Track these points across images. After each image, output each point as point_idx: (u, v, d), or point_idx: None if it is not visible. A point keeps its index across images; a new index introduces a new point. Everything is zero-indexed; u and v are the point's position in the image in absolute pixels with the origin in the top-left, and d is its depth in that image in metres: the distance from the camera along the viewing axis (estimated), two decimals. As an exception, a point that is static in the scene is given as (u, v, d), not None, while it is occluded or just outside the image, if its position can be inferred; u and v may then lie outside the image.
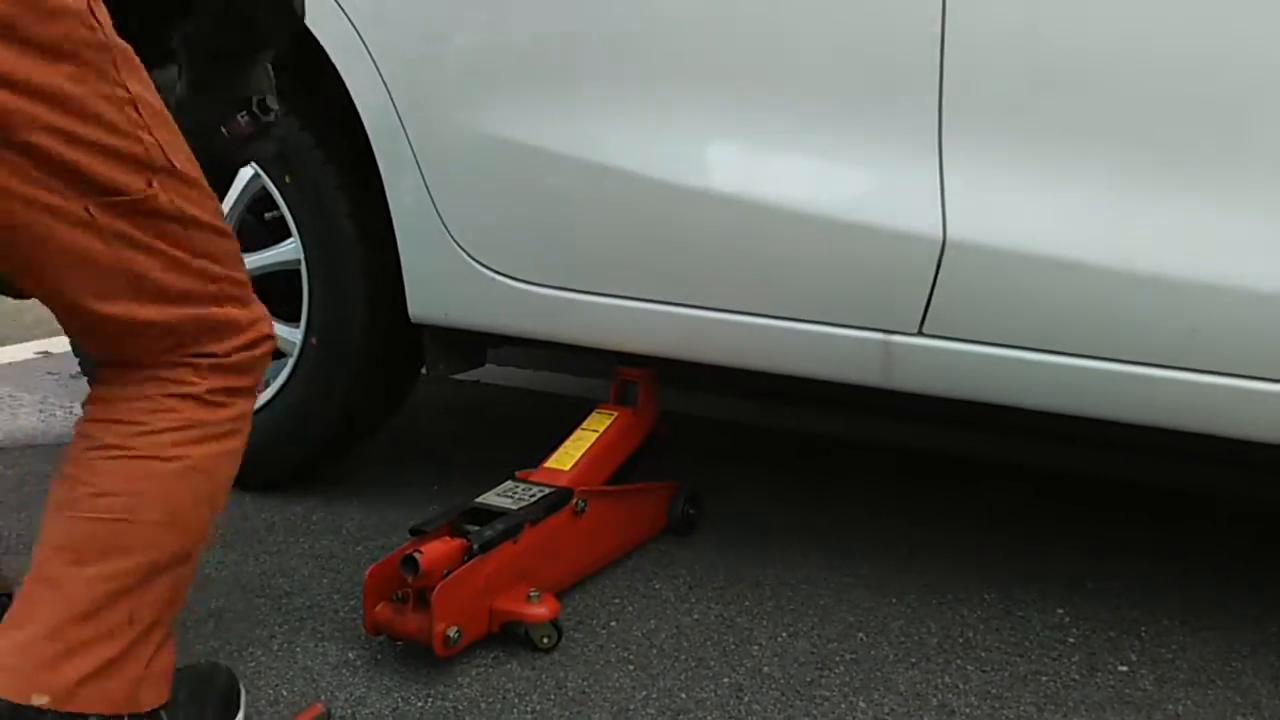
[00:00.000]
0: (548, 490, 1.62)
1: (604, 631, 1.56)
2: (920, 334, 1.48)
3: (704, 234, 1.60)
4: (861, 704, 1.39)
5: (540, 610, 1.47)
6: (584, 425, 1.81)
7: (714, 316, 1.63)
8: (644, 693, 1.40)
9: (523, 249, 1.75)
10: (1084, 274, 1.38)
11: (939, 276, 1.42)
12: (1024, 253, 1.39)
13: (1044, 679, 1.46)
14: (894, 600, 1.68)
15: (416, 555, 1.38)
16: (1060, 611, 1.64)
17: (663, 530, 1.88)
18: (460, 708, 1.35)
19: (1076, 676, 1.46)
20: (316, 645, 1.48)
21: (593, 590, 1.68)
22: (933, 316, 1.45)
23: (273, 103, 1.26)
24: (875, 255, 1.46)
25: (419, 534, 1.49)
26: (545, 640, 1.48)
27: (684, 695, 1.40)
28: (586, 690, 1.40)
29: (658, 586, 1.71)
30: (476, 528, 1.50)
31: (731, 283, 1.61)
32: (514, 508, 1.56)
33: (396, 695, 1.37)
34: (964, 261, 1.42)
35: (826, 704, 1.38)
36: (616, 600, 1.66)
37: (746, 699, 1.39)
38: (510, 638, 1.49)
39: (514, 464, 1.73)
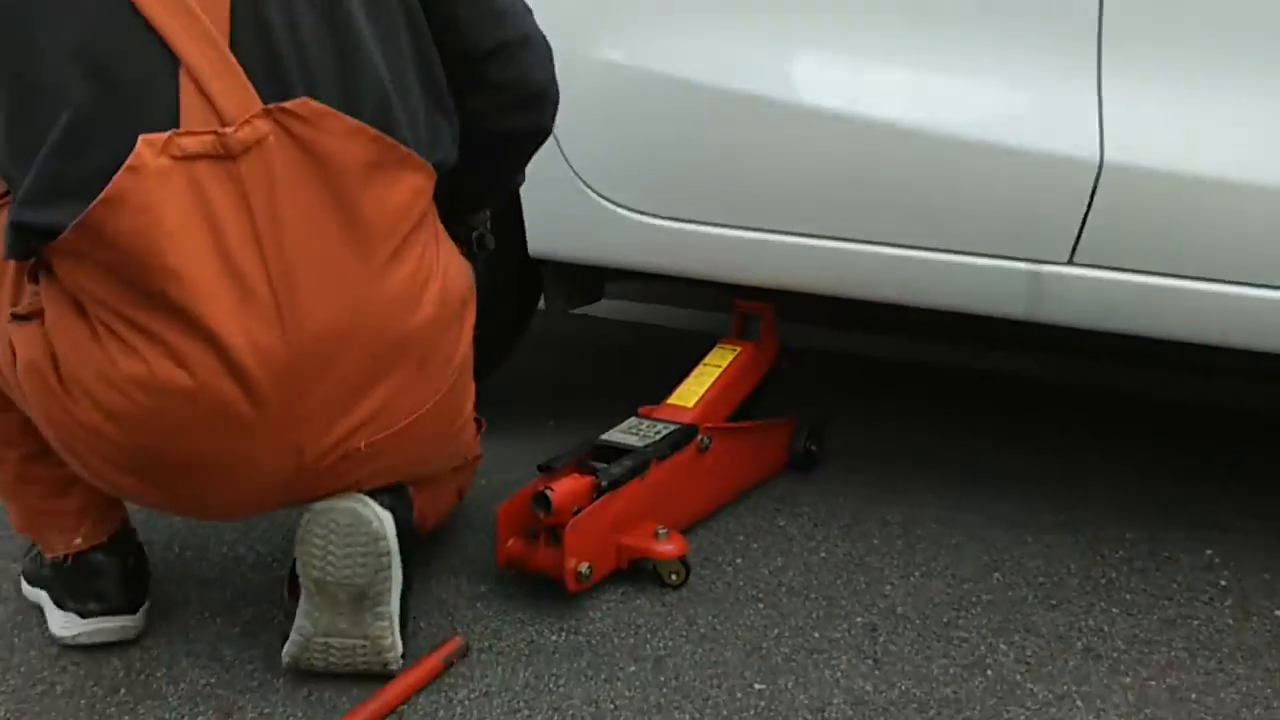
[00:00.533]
0: (672, 427, 1.59)
1: (730, 569, 1.54)
2: (1071, 263, 1.40)
3: (839, 162, 1.54)
4: (1002, 646, 1.35)
5: (669, 547, 1.46)
6: (706, 360, 1.78)
7: (848, 248, 1.57)
8: (776, 630, 1.38)
9: (646, 181, 1.71)
10: (1250, 197, 1.28)
11: (1094, 202, 1.34)
12: (1186, 175, 1.30)
13: (1195, 623, 1.40)
14: (1030, 539, 1.62)
15: (548, 493, 1.38)
16: (1209, 553, 1.57)
17: (785, 466, 1.85)
18: (594, 642, 1.36)
19: (1230, 621, 1.40)
20: (451, 579, 1.50)
21: (716, 528, 1.66)
22: (1085, 244, 1.37)
23: (489, 241, 1.47)
24: (1026, 180, 1.38)
25: (547, 471, 1.48)
26: (674, 577, 1.47)
27: (816, 634, 1.38)
28: (718, 627, 1.39)
29: (782, 524, 1.69)
30: (604, 465, 1.49)
31: (867, 213, 1.54)
32: (640, 445, 1.54)
33: (530, 629, 1.38)
34: (1121, 185, 1.33)
35: (965, 645, 1.35)
36: (741, 537, 1.64)
37: (881, 639, 1.37)
38: (638, 574, 1.49)
39: (630, 399, 1.71)
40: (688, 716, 1.21)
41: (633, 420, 1.63)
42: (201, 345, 1.00)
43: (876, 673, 1.29)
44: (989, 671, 1.29)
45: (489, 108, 1.24)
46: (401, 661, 1.24)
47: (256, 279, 1.01)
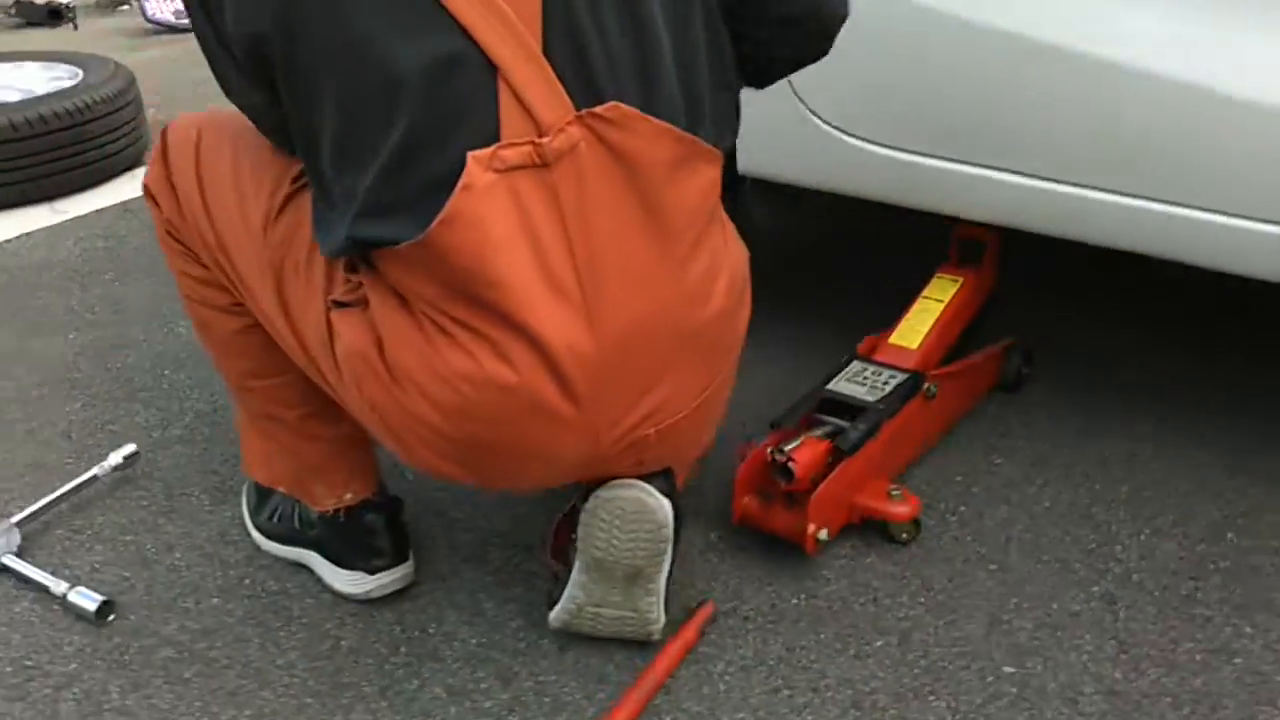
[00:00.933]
0: (900, 377, 1.57)
1: (955, 520, 1.55)
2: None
3: (1096, 108, 1.42)
4: (1247, 629, 1.35)
5: (903, 509, 1.47)
6: (926, 294, 1.72)
7: (1096, 197, 1.48)
8: (1014, 600, 1.40)
9: (875, 110, 1.61)
10: None
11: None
12: None
13: None
14: (1259, 482, 1.59)
15: (791, 465, 1.38)
16: None
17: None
18: (834, 608, 1.40)
19: None
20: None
21: (932, 465, 1.66)
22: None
23: None
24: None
25: (778, 429, 1.49)
26: (905, 536, 1.49)
27: (1055, 606, 1.40)
28: (954, 594, 1.42)
29: (998, 462, 1.68)
30: (836, 422, 1.49)
31: (1121, 164, 1.44)
32: (869, 399, 1.53)
33: (769, 590, 1.42)
34: None
35: (1209, 626, 1.35)
36: (959, 479, 1.64)
37: (1122, 615, 1.38)
38: (866, 526, 1.51)
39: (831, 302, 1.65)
40: (943, 704, 1.25)
41: (856, 365, 1.61)
42: (523, 345, 1.04)
43: (1123, 657, 1.31)
44: (1237, 659, 1.30)
45: (769, 37, 1.17)
46: (661, 631, 1.30)
47: (568, 281, 1.04)
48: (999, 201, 1.57)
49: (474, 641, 1.35)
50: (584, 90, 1.02)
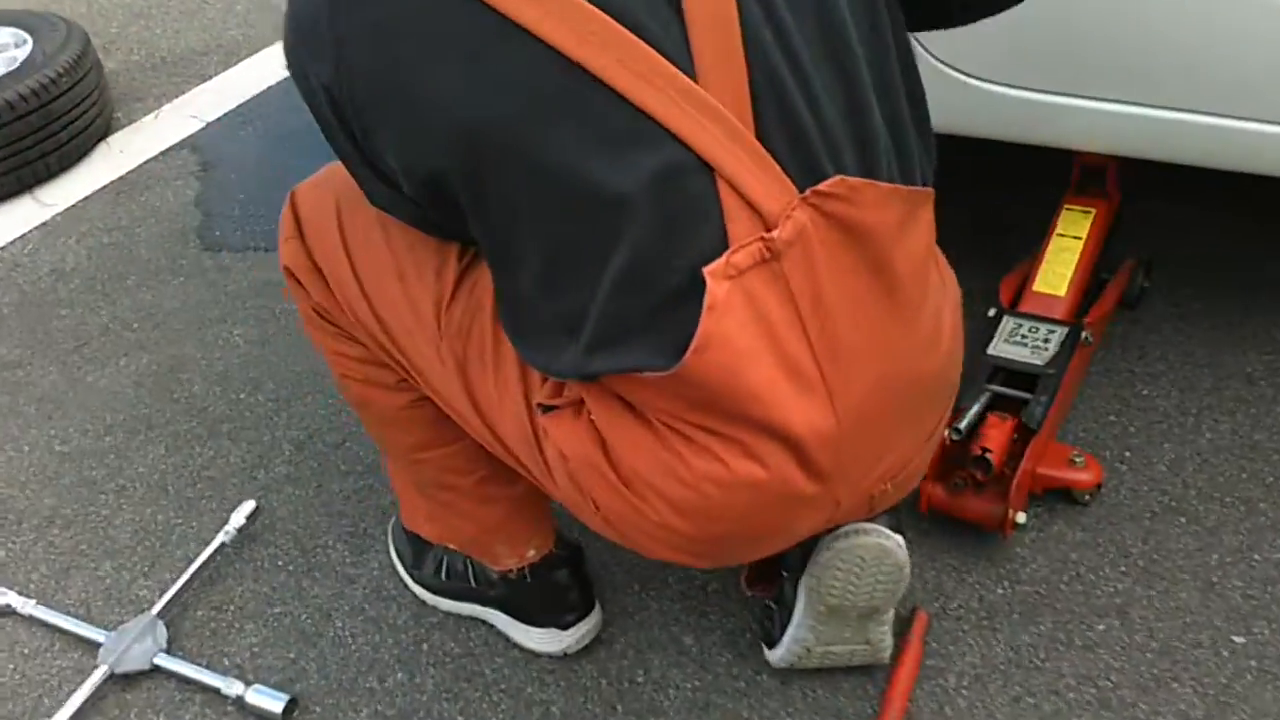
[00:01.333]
0: (1059, 331, 1.51)
1: (1124, 467, 1.51)
2: None
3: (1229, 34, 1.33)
4: None
5: (1086, 476, 1.43)
6: (1060, 230, 1.64)
7: (1222, 124, 1.40)
8: (1215, 555, 1.38)
9: (993, 48, 1.49)
10: None
11: None
12: None
13: None
14: None
15: (989, 456, 1.33)
16: None
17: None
18: (1042, 592, 1.36)
19: None
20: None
21: (1084, 409, 1.60)
22: None
23: None
24: None
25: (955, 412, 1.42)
26: (1086, 498, 1.45)
27: (1258, 557, 1.38)
28: (1155, 558, 1.39)
29: (1146, 393, 1.63)
30: (990, 386, 1.44)
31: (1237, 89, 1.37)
32: (1035, 361, 1.47)
33: (972, 582, 1.39)
34: None
35: None
36: (1113, 419, 1.59)
37: (1326, 559, 1.36)
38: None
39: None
40: (1189, 690, 1.24)
41: (1009, 323, 1.53)
42: (772, 441, 0.96)
43: (1341, 607, 1.31)
44: None
45: None
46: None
47: (808, 367, 0.96)
48: (1124, 133, 1.49)
49: (688, 686, 1.30)
50: (803, 168, 0.92)
